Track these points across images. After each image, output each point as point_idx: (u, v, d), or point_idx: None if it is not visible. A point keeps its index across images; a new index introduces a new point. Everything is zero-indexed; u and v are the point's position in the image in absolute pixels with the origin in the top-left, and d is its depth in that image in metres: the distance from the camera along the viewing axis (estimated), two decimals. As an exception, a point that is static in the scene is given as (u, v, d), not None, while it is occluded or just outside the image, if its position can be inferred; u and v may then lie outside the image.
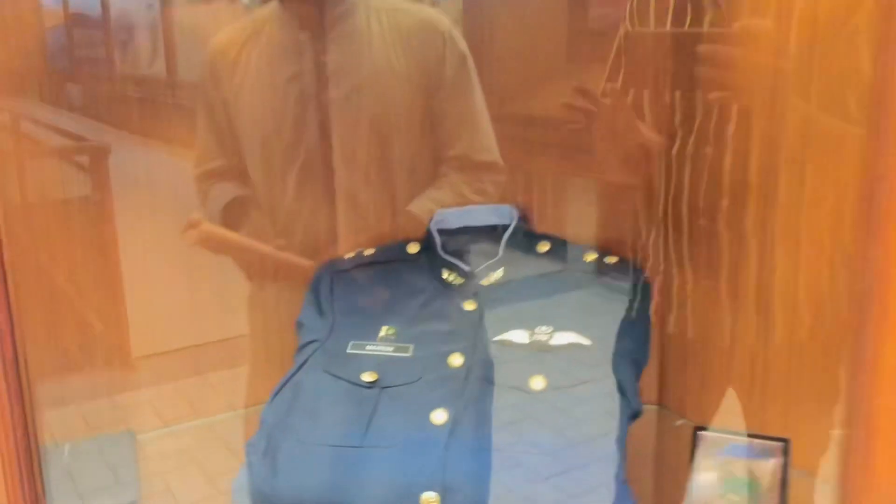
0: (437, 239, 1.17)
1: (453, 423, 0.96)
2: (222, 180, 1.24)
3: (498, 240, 1.16)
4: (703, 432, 0.88)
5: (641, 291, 1.10)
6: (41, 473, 0.81)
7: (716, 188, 1.07)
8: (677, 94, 1.07)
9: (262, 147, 1.22)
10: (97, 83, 1.16)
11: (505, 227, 1.17)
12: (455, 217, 1.20)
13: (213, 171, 1.25)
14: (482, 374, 1.02)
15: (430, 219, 1.19)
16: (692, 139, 1.07)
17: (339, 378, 1.04)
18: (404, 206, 1.26)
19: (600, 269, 1.12)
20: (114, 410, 1.18)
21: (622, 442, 0.93)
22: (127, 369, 1.21)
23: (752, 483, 0.86)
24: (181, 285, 1.22)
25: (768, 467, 0.86)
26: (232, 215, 1.23)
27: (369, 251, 1.21)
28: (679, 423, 1.15)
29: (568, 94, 1.08)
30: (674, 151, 1.09)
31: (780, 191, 1.00)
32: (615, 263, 1.12)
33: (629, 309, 1.08)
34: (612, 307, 1.09)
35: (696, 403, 1.14)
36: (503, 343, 1.05)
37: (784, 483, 0.85)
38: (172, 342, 1.23)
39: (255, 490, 0.93)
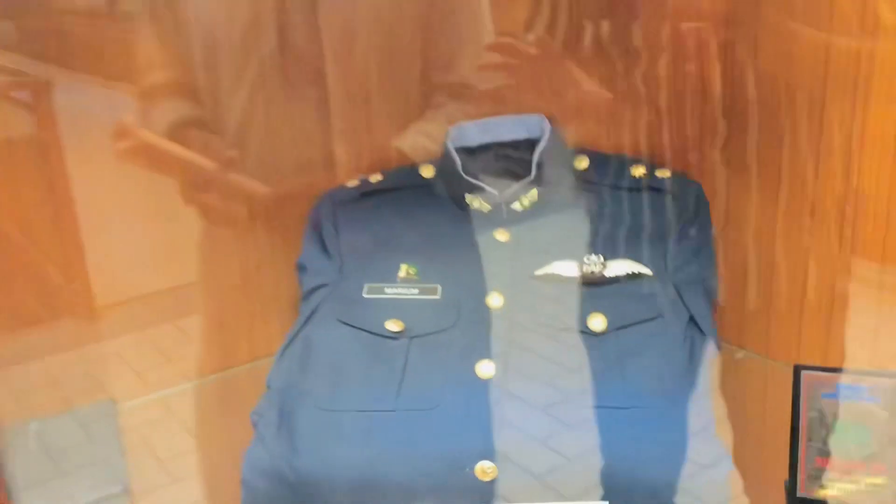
0: (457, 159, 0.99)
1: (503, 376, 0.81)
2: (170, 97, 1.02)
3: (528, 156, 0.98)
4: (807, 371, 0.74)
5: (701, 209, 0.95)
6: None
7: (783, 83, 0.91)
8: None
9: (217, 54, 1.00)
10: (31, 17, 0.94)
11: (535, 142, 1.00)
12: (476, 132, 1.02)
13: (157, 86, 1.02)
14: (528, 317, 0.87)
15: (447, 135, 1.01)
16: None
17: (359, 329, 0.88)
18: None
19: (651, 184, 0.96)
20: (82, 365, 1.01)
21: (707, 387, 0.79)
22: (92, 320, 1.03)
23: (870, 430, 0.73)
24: (149, 225, 1.03)
25: (889, 410, 0.72)
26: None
27: (376, 177, 1.02)
28: (740, 355, 1.01)
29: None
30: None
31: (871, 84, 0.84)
32: (668, 178, 0.96)
33: (690, 230, 0.93)
34: (670, 229, 0.93)
35: (758, 334, 1.00)
36: (548, 277, 0.89)
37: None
38: (142, 287, 1.05)
39: (271, 470, 0.77)
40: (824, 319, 0.93)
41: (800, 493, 0.75)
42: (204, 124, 0.99)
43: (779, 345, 0.98)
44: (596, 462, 0.74)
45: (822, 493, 0.74)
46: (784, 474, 0.79)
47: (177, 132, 0.97)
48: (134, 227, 1.00)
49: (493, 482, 0.74)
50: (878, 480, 0.72)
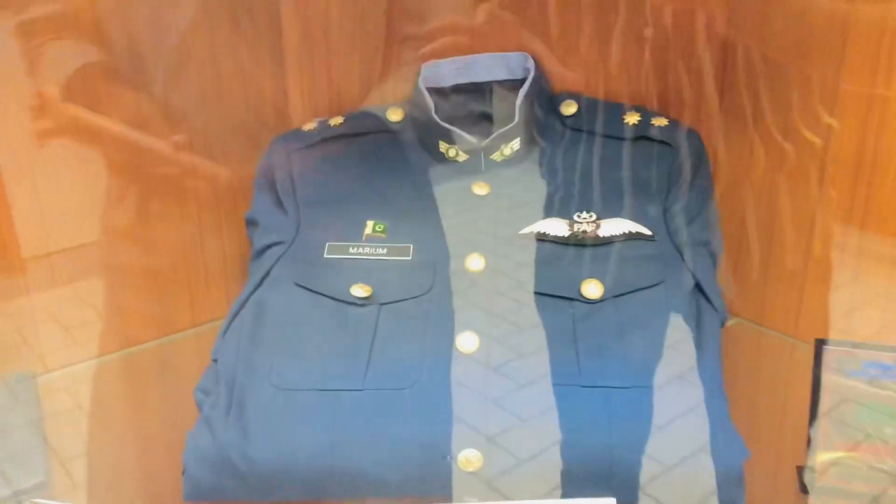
0: (430, 101, 0.87)
1: (486, 350, 0.71)
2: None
3: (510, 100, 0.87)
4: (831, 347, 0.66)
5: (702, 161, 0.85)
6: None
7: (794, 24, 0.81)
8: None
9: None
10: None
11: (518, 83, 0.89)
12: (452, 71, 0.90)
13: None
14: (513, 282, 0.77)
15: (418, 74, 0.90)
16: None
17: (319, 294, 0.76)
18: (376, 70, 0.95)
19: (646, 133, 0.86)
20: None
21: (718, 363, 0.70)
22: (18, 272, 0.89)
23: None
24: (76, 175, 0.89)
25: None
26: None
27: (336, 120, 0.90)
28: (732, 322, 0.93)
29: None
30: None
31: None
32: (665, 126, 0.86)
33: (690, 185, 0.83)
34: (669, 184, 0.83)
35: (756, 300, 0.92)
36: (534, 236, 0.79)
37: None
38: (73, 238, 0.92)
39: (218, 459, 0.65)
40: (825, 289, 0.85)
41: (817, 483, 0.67)
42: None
43: (776, 314, 0.91)
44: (594, 449, 0.64)
45: (842, 484, 0.66)
46: (783, 455, 0.73)
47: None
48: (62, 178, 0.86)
49: (476, 472, 0.64)
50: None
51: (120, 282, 0.92)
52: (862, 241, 0.83)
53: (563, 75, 0.92)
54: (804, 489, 0.67)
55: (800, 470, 0.68)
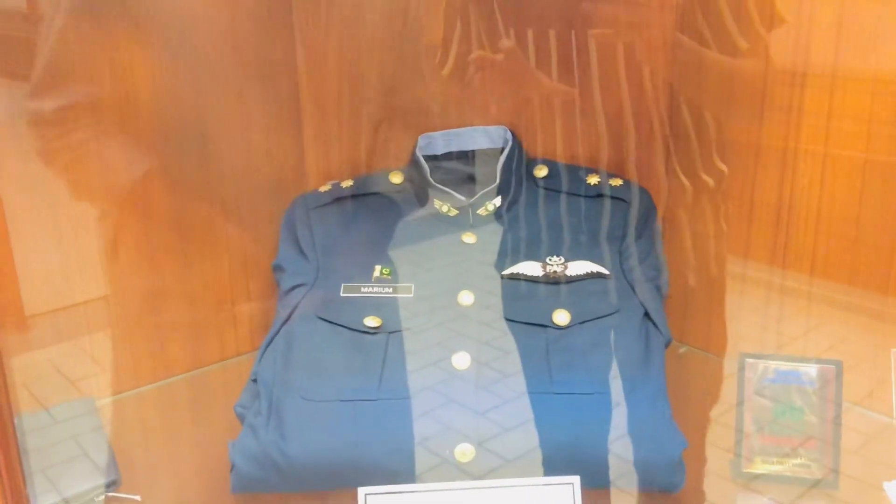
0: (425, 166, 1.06)
1: (477, 368, 0.88)
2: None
3: (492, 165, 1.06)
4: (751, 359, 0.83)
5: (650, 213, 1.04)
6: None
7: (725, 91, 1.00)
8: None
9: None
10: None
11: (499, 151, 1.07)
12: (443, 141, 1.08)
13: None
14: (497, 313, 0.93)
15: (416, 144, 1.08)
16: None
17: (338, 325, 0.93)
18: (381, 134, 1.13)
19: (605, 192, 1.04)
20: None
21: (662, 374, 0.87)
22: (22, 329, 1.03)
23: (805, 410, 0.82)
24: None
25: (819, 392, 0.82)
26: None
27: (347, 182, 1.08)
28: (682, 350, 1.10)
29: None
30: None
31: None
32: (620, 185, 1.04)
33: (641, 233, 1.01)
34: (623, 233, 1.01)
35: (700, 331, 1.09)
36: (515, 277, 0.97)
37: (838, 408, 0.81)
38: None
39: (261, 455, 0.81)
40: (759, 314, 1.03)
41: (744, 469, 0.83)
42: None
43: (717, 342, 1.08)
44: (565, 443, 0.80)
45: (763, 468, 0.82)
46: (714, 447, 0.88)
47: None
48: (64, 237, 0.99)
49: (470, 463, 0.80)
50: (809, 455, 0.82)
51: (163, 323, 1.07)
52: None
53: (536, 143, 1.11)
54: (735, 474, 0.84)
55: (731, 462, 0.85)
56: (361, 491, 0.72)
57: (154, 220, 1.02)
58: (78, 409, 0.94)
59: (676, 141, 1.07)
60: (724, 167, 1.02)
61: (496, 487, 0.72)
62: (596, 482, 0.79)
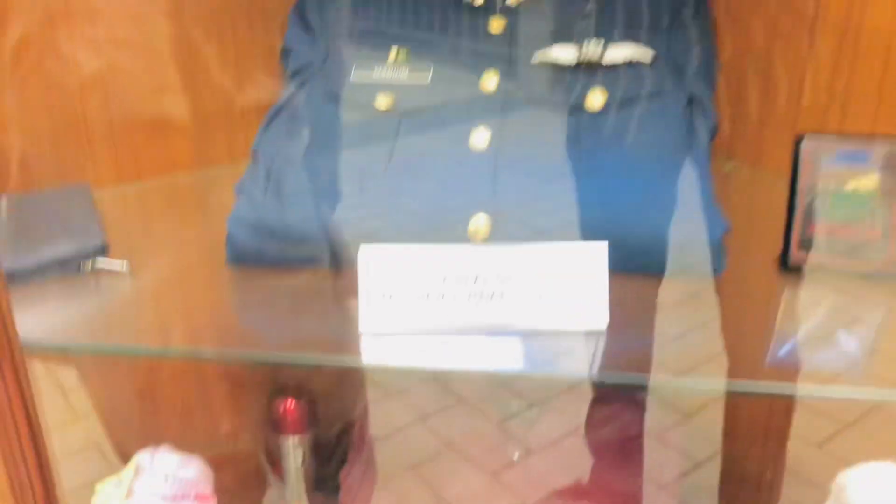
0: (449, -54, 0.95)
1: (498, 147, 0.79)
2: None
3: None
4: (808, 138, 0.73)
5: (703, 4, 0.92)
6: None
7: None
8: None
9: None
10: None
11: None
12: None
13: None
14: (523, 96, 0.84)
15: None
16: None
17: (346, 105, 0.84)
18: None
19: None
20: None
21: (705, 156, 0.78)
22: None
23: (868, 197, 0.72)
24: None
25: (889, 177, 0.72)
26: None
27: (362, -36, 0.98)
28: (729, 167, 1.00)
29: None
30: None
31: None
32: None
33: (691, 16, 0.90)
34: (671, 16, 0.90)
35: (751, 142, 0.98)
36: (546, 62, 0.87)
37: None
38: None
39: (257, 222, 0.74)
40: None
41: (792, 263, 0.74)
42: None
43: (770, 156, 0.98)
44: (596, 225, 0.72)
45: (813, 260, 0.73)
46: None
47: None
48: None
49: (485, 241, 0.72)
50: (873, 247, 0.72)
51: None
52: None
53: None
54: (784, 264, 0.74)
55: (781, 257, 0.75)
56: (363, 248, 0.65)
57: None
58: (72, 192, 0.87)
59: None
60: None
61: (510, 252, 0.65)
62: (628, 266, 0.71)
